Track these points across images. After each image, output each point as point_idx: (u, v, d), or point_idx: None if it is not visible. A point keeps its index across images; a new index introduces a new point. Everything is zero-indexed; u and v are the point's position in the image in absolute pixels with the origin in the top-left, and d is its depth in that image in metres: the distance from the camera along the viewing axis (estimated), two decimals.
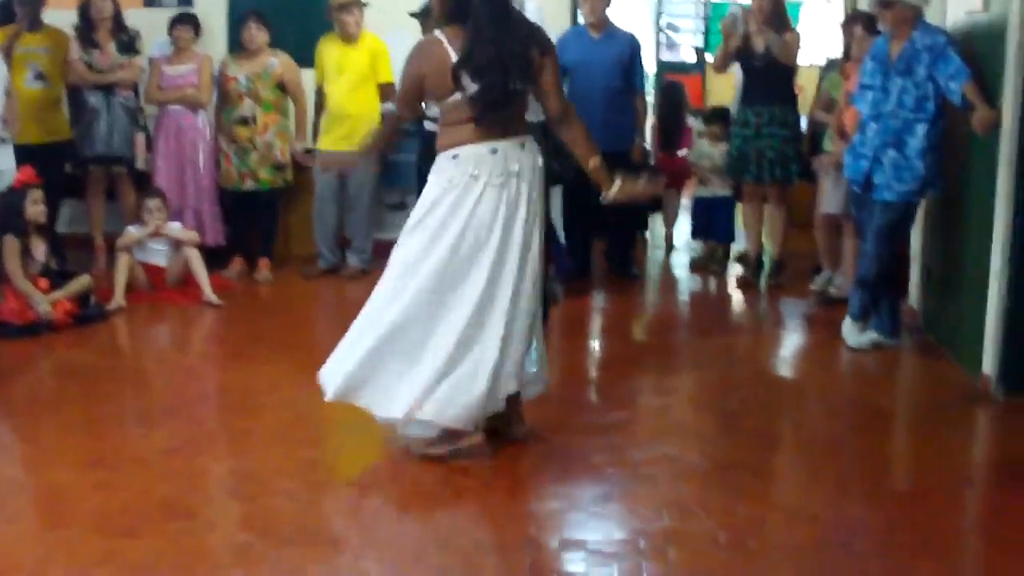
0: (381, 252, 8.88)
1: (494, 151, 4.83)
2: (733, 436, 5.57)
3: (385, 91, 8.77)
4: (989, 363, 6.11)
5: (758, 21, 8.40)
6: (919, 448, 5.60)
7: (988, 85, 6.25)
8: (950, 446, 5.50)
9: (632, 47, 8.83)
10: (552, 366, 5.72)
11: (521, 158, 4.89)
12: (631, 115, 8.83)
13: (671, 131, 10.61)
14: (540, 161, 5.00)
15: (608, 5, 8.72)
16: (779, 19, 8.60)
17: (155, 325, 7.71)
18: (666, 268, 10.01)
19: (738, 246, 9.57)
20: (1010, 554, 4.29)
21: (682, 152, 10.49)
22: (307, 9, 9.17)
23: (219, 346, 7.50)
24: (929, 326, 7.33)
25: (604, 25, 8.71)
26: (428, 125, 8.50)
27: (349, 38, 8.76)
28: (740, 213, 9.29)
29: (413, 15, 8.15)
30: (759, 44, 8.47)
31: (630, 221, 9.18)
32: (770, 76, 8.46)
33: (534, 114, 7.80)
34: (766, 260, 9.01)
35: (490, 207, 4.83)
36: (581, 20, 9.15)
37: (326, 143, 8.81)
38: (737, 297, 8.81)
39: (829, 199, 8.04)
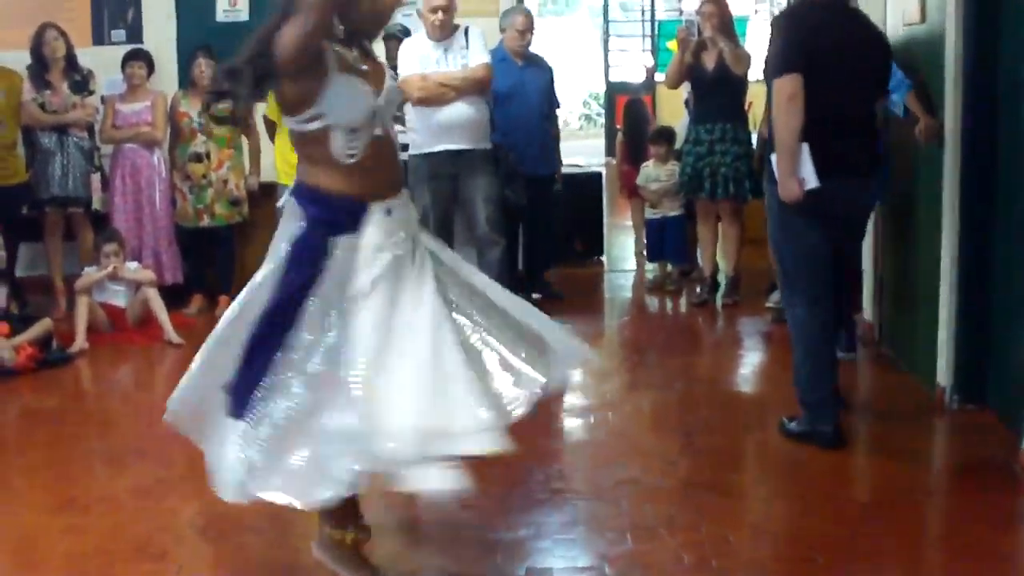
0: None
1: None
2: (695, 456, 5.64)
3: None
4: (943, 374, 6.21)
5: (713, 27, 8.51)
6: (878, 460, 5.67)
7: (929, 95, 6.37)
8: (908, 457, 5.59)
9: (551, 73, 9.04)
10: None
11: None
12: (554, 139, 9.22)
13: (636, 146, 10.82)
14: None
15: (533, 34, 8.78)
16: (728, 34, 8.72)
17: (118, 366, 7.73)
18: (623, 291, 10.09)
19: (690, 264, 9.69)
20: (970, 561, 4.38)
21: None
22: None
23: None
24: (884, 339, 7.43)
25: (526, 51, 8.78)
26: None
27: None
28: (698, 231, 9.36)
29: (385, 37, 8.29)
30: (710, 59, 8.60)
31: (543, 231, 9.23)
32: (721, 93, 8.59)
33: (484, 140, 7.95)
34: (721, 279, 9.09)
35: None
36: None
37: (286, 179, 8.77)
38: (693, 316, 8.87)
39: None
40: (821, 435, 5.67)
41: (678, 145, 9.38)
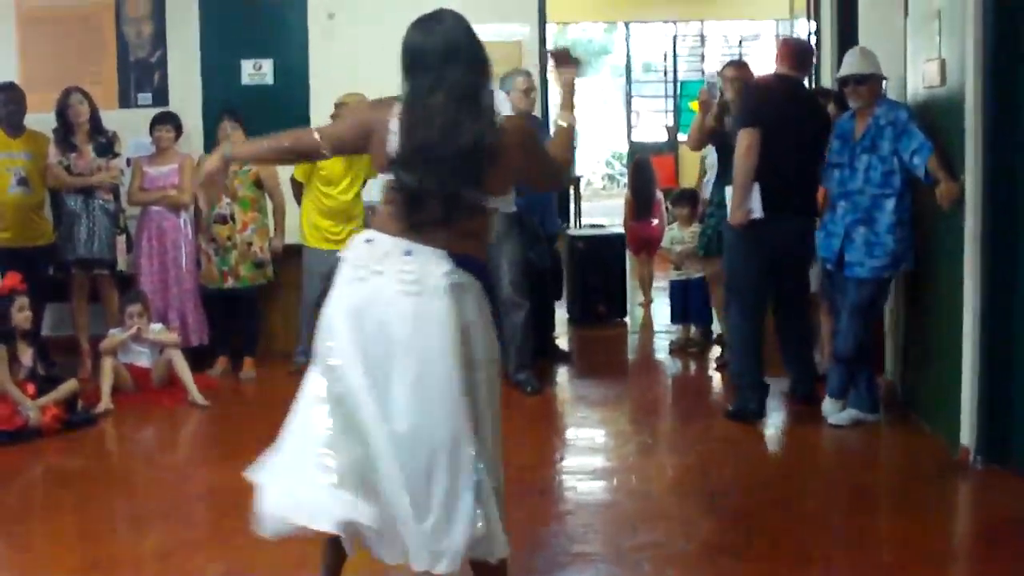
0: None
1: (369, 241, 4.03)
2: (717, 518, 5.63)
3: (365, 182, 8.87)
4: (967, 434, 6.21)
5: (735, 89, 8.48)
6: (903, 522, 5.64)
7: (950, 158, 6.40)
8: (933, 518, 5.59)
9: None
10: (531, 452, 5.73)
11: (397, 264, 3.93)
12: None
13: (643, 202, 11.00)
14: (448, 280, 3.93)
15: (536, 94, 8.79)
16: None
17: (143, 427, 7.75)
18: (646, 352, 10.11)
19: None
20: None
21: (654, 221, 11.11)
22: (282, 105, 9.31)
23: (208, 446, 7.54)
24: (908, 399, 7.42)
25: (531, 112, 8.65)
26: None
27: None
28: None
29: None
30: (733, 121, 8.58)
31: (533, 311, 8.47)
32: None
33: (505, 204, 7.98)
34: None
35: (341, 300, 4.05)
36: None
37: (318, 241, 8.86)
38: (716, 378, 8.84)
39: (812, 277, 8.13)
40: (750, 411, 7.36)
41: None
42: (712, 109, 8.61)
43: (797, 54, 7.61)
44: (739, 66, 8.73)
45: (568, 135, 4.41)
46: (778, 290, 7.61)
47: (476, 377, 3.94)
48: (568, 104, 4.42)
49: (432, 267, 3.89)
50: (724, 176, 8.54)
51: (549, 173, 4.40)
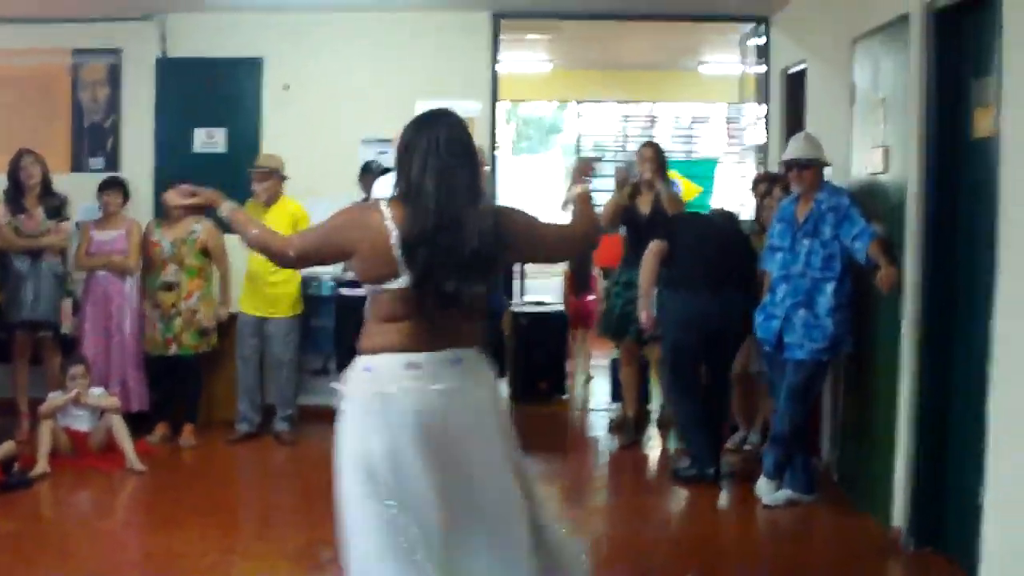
0: (306, 417, 9.02)
1: (414, 366, 3.94)
2: None
3: None
4: (900, 516, 6.27)
5: (652, 169, 8.58)
6: None
7: (891, 244, 6.50)
8: None
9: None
10: None
11: (454, 377, 3.97)
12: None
13: (580, 278, 11.11)
14: (490, 383, 4.17)
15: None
16: (664, 176, 8.74)
17: (79, 491, 7.66)
18: (584, 429, 10.13)
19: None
20: None
21: (591, 297, 11.21)
22: (231, 175, 9.33)
23: (144, 512, 7.48)
24: (843, 481, 7.47)
25: None
26: (344, 291, 8.72)
27: (265, 204, 8.89)
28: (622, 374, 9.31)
29: (362, 170, 8.44)
30: (645, 204, 8.60)
31: None
32: (654, 236, 8.21)
33: None
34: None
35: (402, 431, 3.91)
36: None
37: (247, 307, 8.97)
38: (652, 457, 8.84)
39: (755, 357, 8.20)
40: (707, 475, 7.70)
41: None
42: (627, 189, 8.69)
43: None
44: (654, 146, 8.84)
45: (584, 201, 4.39)
46: (708, 366, 7.95)
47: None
48: (582, 212, 4.39)
49: (482, 372, 4.06)
50: (633, 256, 8.58)
51: (560, 245, 4.43)
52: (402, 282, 3.90)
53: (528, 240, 4.13)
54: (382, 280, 3.94)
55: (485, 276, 3.96)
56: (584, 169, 4.51)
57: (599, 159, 4.29)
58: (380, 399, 3.90)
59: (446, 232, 3.86)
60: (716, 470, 7.76)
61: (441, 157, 3.95)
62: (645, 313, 7.95)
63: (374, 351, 3.98)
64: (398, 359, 3.93)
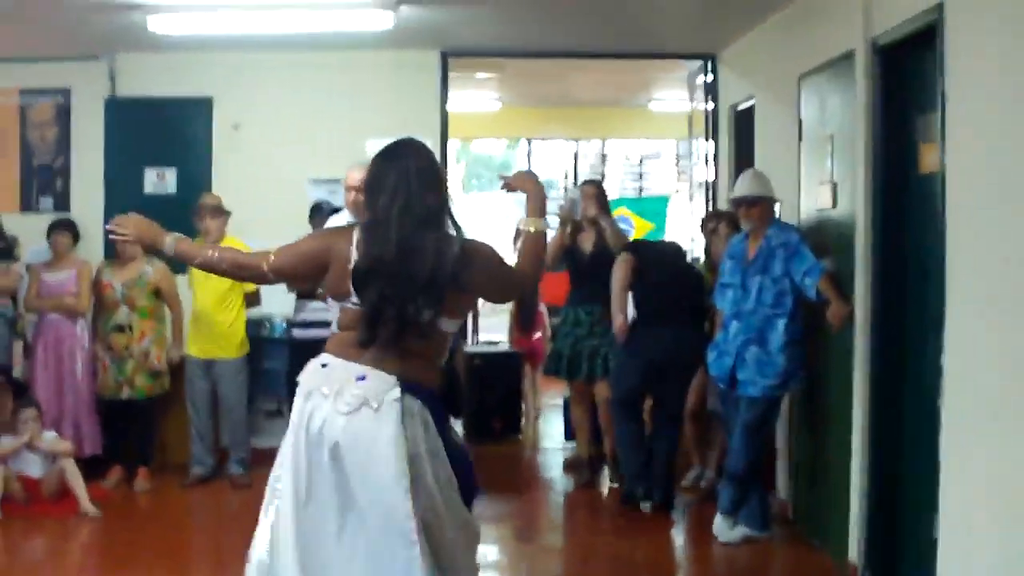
0: (259, 460, 8.94)
1: (325, 365, 4.09)
2: None
3: (250, 299, 8.96)
4: (855, 550, 6.30)
5: (594, 207, 8.58)
6: None
7: (841, 279, 6.55)
8: None
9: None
10: None
11: (352, 387, 3.99)
12: None
13: (526, 316, 11.11)
14: (398, 407, 3.99)
15: None
16: (606, 212, 8.75)
17: (31, 538, 7.58)
18: (538, 469, 10.13)
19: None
20: None
21: (537, 334, 11.22)
22: (182, 215, 9.28)
23: (99, 557, 7.40)
24: (798, 517, 7.50)
25: None
26: (297, 333, 8.70)
27: (210, 244, 8.84)
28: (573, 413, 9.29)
29: (312, 211, 8.46)
30: (587, 241, 8.57)
31: None
32: (600, 273, 8.28)
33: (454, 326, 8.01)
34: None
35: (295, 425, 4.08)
36: None
37: (194, 350, 8.92)
38: (607, 496, 8.74)
39: (710, 394, 8.22)
40: (635, 495, 7.97)
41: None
42: (570, 226, 8.68)
43: None
44: (596, 183, 8.96)
45: (538, 242, 4.34)
46: (657, 398, 8.14)
47: (434, 504, 3.99)
48: (536, 210, 4.35)
49: (382, 392, 3.95)
50: (576, 295, 8.70)
51: (509, 287, 4.43)
52: (356, 302, 4.02)
53: (488, 276, 4.14)
54: (342, 298, 4.09)
55: (427, 304, 3.95)
56: (514, 182, 4.51)
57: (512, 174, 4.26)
58: (302, 393, 4.09)
59: (403, 260, 3.92)
60: (647, 491, 7.94)
61: (409, 186, 4.02)
62: (621, 318, 8.01)
63: (330, 351, 4.14)
64: (320, 359, 4.13)
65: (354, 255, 4.01)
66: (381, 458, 3.90)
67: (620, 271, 8.06)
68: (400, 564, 3.89)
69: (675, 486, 8.16)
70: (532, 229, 4.33)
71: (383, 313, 3.93)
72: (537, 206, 4.35)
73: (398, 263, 3.92)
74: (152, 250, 4.48)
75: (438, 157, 4.29)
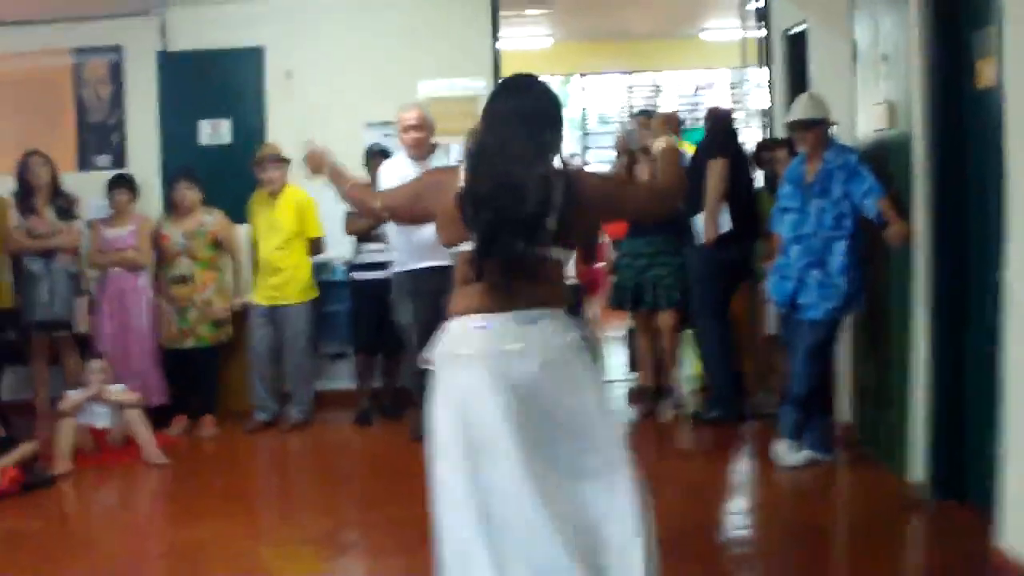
0: (321, 403, 9.05)
1: (482, 327, 3.93)
2: (675, 560, 5.63)
3: (314, 245, 9.02)
4: (921, 471, 6.28)
5: (662, 130, 8.44)
6: (859, 559, 5.69)
7: (900, 199, 6.50)
8: (888, 554, 5.64)
9: None
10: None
11: (527, 335, 3.91)
12: None
13: (588, 248, 11.09)
14: (569, 338, 4.00)
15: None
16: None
17: (102, 487, 7.71)
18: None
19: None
20: None
21: (600, 264, 11.05)
22: (238, 165, 9.34)
23: (167, 504, 7.51)
24: (862, 439, 7.48)
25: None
26: (356, 275, 8.74)
27: (272, 194, 8.96)
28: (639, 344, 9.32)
29: (368, 155, 8.47)
30: (643, 173, 8.37)
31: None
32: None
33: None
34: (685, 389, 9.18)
35: (478, 391, 3.87)
36: None
37: (259, 297, 9.00)
38: (672, 425, 8.77)
39: (772, 320, 8.21)
40: (731, 416, 8.38)
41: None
42: (626, 156, 8.68)
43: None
44: (649, 113, 9.08)
45: (675, 154, 4.40)
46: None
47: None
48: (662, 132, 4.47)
49: (559, 329, 3.94)
50: (636, 227, 8.74)
51: (654, 200, 4.36)
52: (470, 245, 3.91)
53: (605, 202, 4.10)
54: (455, 243, 4.00)
55: (549, 239, 3.88)
56: (670, 120, 4.52)
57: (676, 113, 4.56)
58: (453, 361, 3.93)
59: (505, 195, 3.83)
60: (741, 413, 8.44)
61: (510, 122, 3.97)
62: (712, 226, 8.24)
63: (452, 315, 4.03)
64: (469, 321, 3.95)
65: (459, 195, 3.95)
66: (580, 396, 3.94)
67: (714, 179, 8.27)
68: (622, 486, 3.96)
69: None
70: (664, 144, 4.37)
71: (493, 250, 3.84)
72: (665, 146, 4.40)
73: (499, 199, 3.83)
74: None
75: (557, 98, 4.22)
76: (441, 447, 3.87)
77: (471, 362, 3.88)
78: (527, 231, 3.83)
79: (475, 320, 3.93)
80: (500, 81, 4.14)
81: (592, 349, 4.06)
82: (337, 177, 4.58)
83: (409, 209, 4.29)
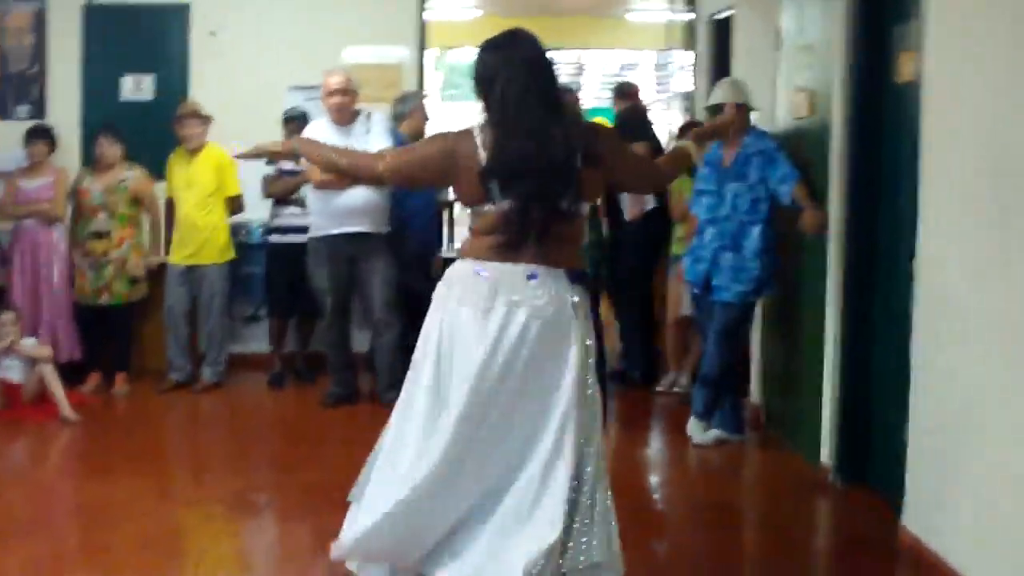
0: (235, 365, 9.02)
1: (479, 273, 3.99)
2: None
3: (233, 204, 8.97)
4: (827, 454, 6.40)
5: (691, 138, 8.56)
6: (766, 539, 5.82)
7: (816, 187, 6.60)
8: (794, 534, 5.75)
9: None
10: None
11: (525, 290, 3.95)
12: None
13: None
14: (573, 299, 4.03)
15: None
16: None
17: (12, 443, 7.62)
18: None
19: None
20: None
21: None
22: (159, 122, 9.26)
23: (78, 461, 7.45)
24: (771, 422, 7.60)
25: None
26: (274, 238, 8.73)
27: (191, 151, 8.91)
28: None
29: (286, 119, 8.41)
30: None
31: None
32: None
33: (383, 224, 8.05)
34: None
35: (469, 333, 3.97)
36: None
37: (176, 257, 8.92)
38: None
39: (685, 302, 8.29)
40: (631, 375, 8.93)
41: None
42: None
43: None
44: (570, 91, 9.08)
45: (685, 157, 4.63)
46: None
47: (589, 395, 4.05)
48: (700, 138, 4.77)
49: (560, 289, 3.98)
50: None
51: (647, 175, 4.56)
52: (494, 206, 3.95)
53: (613, 152, 4.16)
54: (476, 203, 4.04)
55: (567, 190, 3.93)
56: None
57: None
58: (450, 296, 4.04)
59: (539, 151, 3.87)
60: (656, 376, 8.85)
61: (526, 75, 3.97)
62: (638, 204, 8.63)
63: (460, 256, 4.13)
64: (474, 265, 4.02)
65: (482, 156, 3.96)
66: (565, 356, 3.96)
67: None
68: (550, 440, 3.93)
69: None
70: (687, 149, 4.63)
71: (530, 209, 3.89)
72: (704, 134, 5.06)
73: (534, 155, 3.87)
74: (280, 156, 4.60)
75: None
76: (418, 361, 4.08)
77: (463, 303, 3.98)
78: (556, 183, 3.90)
79: (478, 266, 4.01)
80: (487, 40, 4.05)
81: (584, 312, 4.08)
82: (309, 148, 4.57)
83: (413, 177, 4.36)
